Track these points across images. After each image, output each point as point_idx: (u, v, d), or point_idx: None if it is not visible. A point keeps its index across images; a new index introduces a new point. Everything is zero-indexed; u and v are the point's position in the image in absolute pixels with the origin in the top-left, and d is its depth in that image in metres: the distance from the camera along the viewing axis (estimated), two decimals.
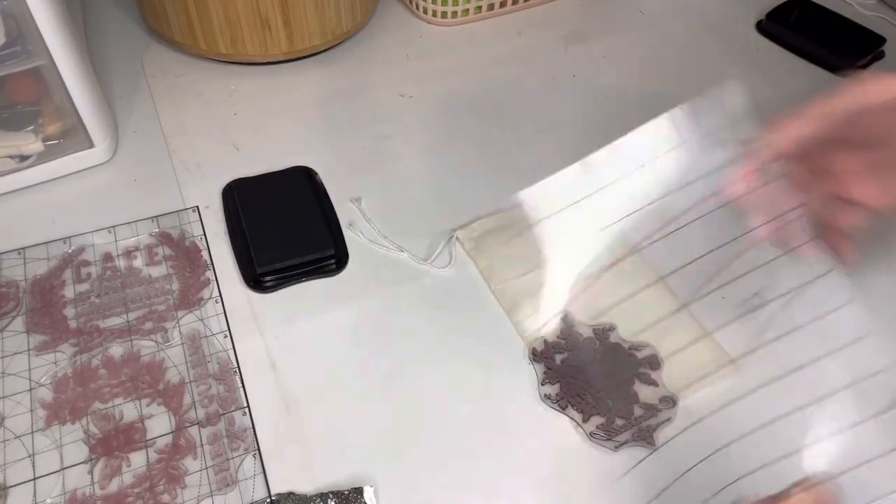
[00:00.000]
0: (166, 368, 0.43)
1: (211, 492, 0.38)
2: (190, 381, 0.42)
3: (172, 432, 0.40)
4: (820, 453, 0.42)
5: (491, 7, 0.70)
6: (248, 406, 0.42)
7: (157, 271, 0.48)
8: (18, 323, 0.44)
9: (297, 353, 0.44)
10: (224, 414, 0.41)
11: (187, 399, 0.42)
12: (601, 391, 0.43)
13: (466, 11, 0.69)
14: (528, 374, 0.44)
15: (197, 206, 0.52)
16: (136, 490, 0.38)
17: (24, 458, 0.39)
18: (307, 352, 0.45)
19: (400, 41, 0.68)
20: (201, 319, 0.45)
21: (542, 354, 0.45)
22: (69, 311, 0.45)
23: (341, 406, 0.42)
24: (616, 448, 0.41)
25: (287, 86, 0.63)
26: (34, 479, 0.38)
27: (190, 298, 0.46)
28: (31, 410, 0.41)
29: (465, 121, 0.60)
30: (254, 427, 0.41)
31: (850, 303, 0.49)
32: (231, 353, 0.44)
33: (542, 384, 0.43)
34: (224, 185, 0.53)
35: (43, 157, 0.51)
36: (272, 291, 0.47)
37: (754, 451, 0.41)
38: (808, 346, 0.47)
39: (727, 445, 0.41)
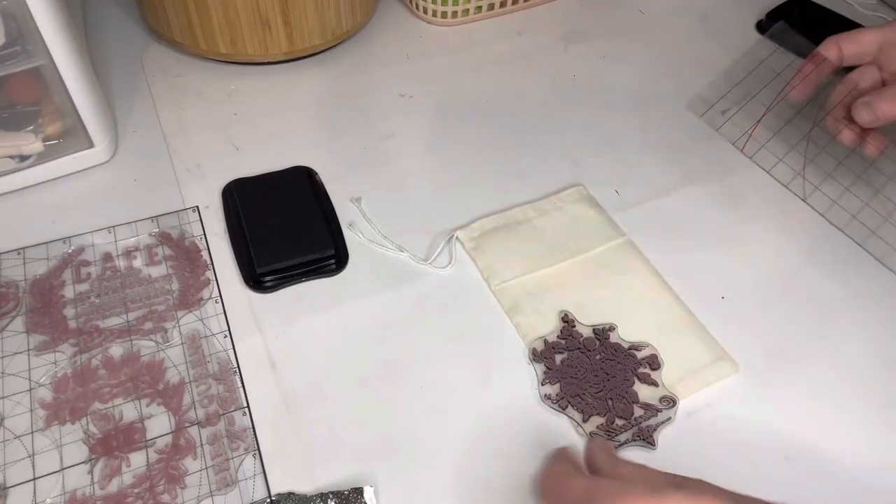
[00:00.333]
0: (166, 368, 0.43)
1: (211, 492, 0.38)
2: (190, 381, 0.42)
3: (172, 432, 0.40)
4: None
5: (491, 7, 0.70)
6: (248, 406, 0.42)
7: (157, 271, 0.48)
8: (18, 323, 0.44)
9: (297, 353, 0.44)
10: (224, 414, 0.41)
11: (187, 399, 0.42)
12: (601, 391, 0.43)
13: (466, 11, 0.69)
14: (528, 374, 0.44)
15: (197, 206, 0.52)
16: (136, 490, 0.38)
17: (23, 458, 0.39)
18: (307, 352, 0.45)
19: (400, 41, 0.68)
20: (201, 319, 0.45)
21: (542, 354, 0.45)
22: (69, 311, 0.45)
23: (341, 406, 0.42)
24: (616, 448, 0.41)
25: (287, 86, 0.63)
26: (34, 479, 0.38)
27: (190, 298, 0.46)
28: (31, 410, 0.41)
29: (465, 121, 0.60)
30: (254, 427, 0.41)
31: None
32: (231, 353, 0.44)
33: (542, 384, 0.43)
34: (224, 185, 0.53)
35: (43, 157, 0.51)
36: (272, 291, 0.47)
37: (754, 451, 0.41)
38: (808, 344, 0.47)
39: (727, 445, 0.41)
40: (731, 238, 0.53)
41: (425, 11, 0.69)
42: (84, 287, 0.46)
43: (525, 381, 0.44)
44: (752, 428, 0.42)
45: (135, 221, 0.50)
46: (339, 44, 0.66)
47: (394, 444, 0.41)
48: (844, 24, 0.69)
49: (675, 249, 0.51)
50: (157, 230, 0.50)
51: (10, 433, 0.40)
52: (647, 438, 0.41)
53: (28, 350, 0.43)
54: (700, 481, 0.30)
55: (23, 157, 0.51)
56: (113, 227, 0.50)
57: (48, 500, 0.37)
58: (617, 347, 0.45)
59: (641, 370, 0.44)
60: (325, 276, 0.48)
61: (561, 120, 0.61)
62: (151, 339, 0.44)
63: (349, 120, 0.60)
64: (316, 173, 0.55)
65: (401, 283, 0.48)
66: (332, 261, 0.49)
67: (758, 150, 0.55)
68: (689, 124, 0.61)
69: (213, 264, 0.48)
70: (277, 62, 0.63)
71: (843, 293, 0.49)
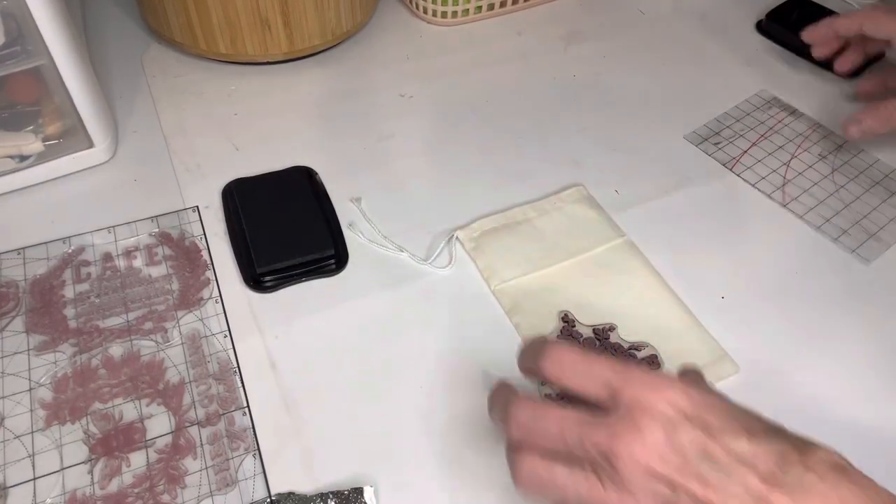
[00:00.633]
0: (166, 368, 0.43)
1: (211, 492, 0.38)
2: (190, 381, 0.42)
3: (172, 432, 0.40)
4: None
5: (491, 7, 0.70)
6: (248, 406, 0.42)
7: (157, 271, 0.48)
8: (18, 323, 0.44)
9: (297, 353, 0.44)
10: (224, 414, 0.41)
11: (187, 399, 0.42)
12: None
13: (466, 11, 0.69)
14: None
15: (197, 206, 0.52)
16: (136, 490, 0.38)
17: (23, 458, 0.39)
18: (307, 352, 0.45)
19: (400, 41, 0.68)
20: (201, 319, 0.45)
21: None
22: (69, 311, 0.45)
23: (341, 406, 0.42)
24: None
25: (287, 86, 0.63)
26: (34, 479, 0.38)
27: (190, 298, 0.46)
28: (31, 410, 0.41)
29: (465, 121, 0.61)
30: (254, 427, 0.41)
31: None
32: (231, 353, 0.44)
33: (542, 384, 0.43)
34: (224, 185, 0.53)
35: (43, 157, 0.51)
36: (272, 291, 0.47)
37: None
38: (807, 343, 0.47)
39: None
40: (732, 238, 0.53)
41: (425, 11, 0.69)
42: (84, 287, 0.46)
43: (525, 381, 0.44)
44: None
45: (135, 221, 0.50)
46: (339, 44, 0.66)
47: (394, 444, 0.41)
48: None
49: (675, 249, 0.51)
50: (157, 230, 0.50)
51: (10, 433, 0.40)
52: None
53: (28, 350, 0.43)
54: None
55: (23, 157, 0.51)
56: (113, 227, 0.50)
57: (48, 500, 0.37)
58: (617, 347, 0.45)
59: None
60: (325, 276, 0.48)
61: (561, 120, 0.61)
62: (151, 339, 0.44)
63: (349, 120, 0.60)
64: (316, 173, 0.55)
65: (401, 283, 0.48)
66: (332, 261, 0.49)
67: (744, 170, 0.58)
68: (689, 125, 0.61)
69: (213, 264, 0.48)
70: (277, 62, 0.63)
71: (842, 294, 0.49)
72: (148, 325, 0.45)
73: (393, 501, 0.38)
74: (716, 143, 0.59)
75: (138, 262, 0.48)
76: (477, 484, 0.39)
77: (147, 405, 0.41)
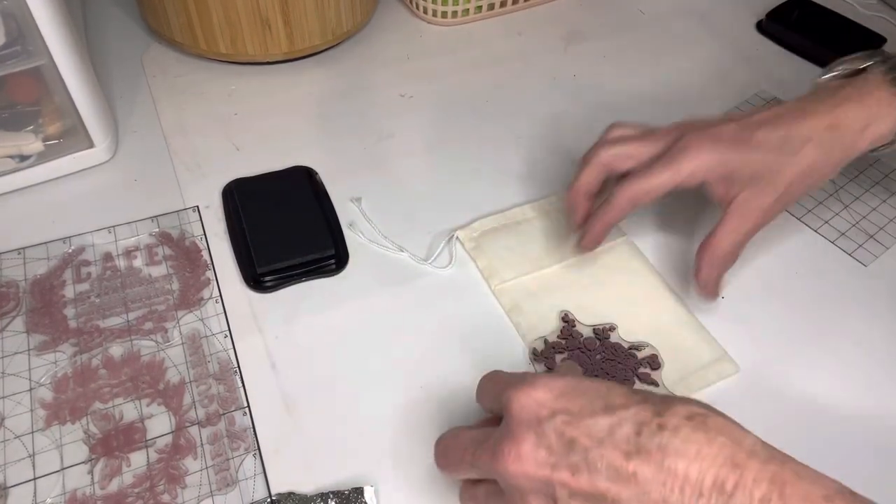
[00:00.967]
0: (166, 368, 0.43)
1: (211, 492, 0.38)
2: (190, 381, 0.42)
3: (172, 432, 0.40)
4: None
5: (491, 7, 0.70)
6: (248, 406, 0.42)
7: (157, 271, 0.48)
8: (18, 323, 0.44)
9: (297, 353, 0.44)
10: (224, 414, 0.41)
11: (187, 399, 0.42)
12: None
13: (466, 11, 0.69)
14: None
15: (197, 206, 0.52)
16: (136, 490, 0.38)
17: (24, 458, 0.39)
18: (307, 352, 0.45)
19: (400, 41, 0.68)
20: (201, 319, 0.45)
21: (543, 354, 0.45)
22: (69, 311, 0.45)
23: (341, 406, 0.42)
24: None
25: (287, 86, 0.63)
26: (34, 479, 0.38)
27: (190, 298, 0.46)
28: (31, 410, 0.41)
29: (465, 121, 0.61)
30: (254, 427, 0.41)
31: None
32: (231, 353, 0.44)
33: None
34: (224, 185, 0.53)
35: (43, 157, 0.51)
36: (272, 291, 0.47)
37: None
38: (807, 342, 0.47)
39: None
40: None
41: (425, 11, 0.69)
42: (84, 287, 0.46)
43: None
44: (752, 428, 0.42)
45: (135, 221, 0.50)
46: (339, 44, 0.66)
47: (394, 444, 0.41)
48: (844, 25, 0.69)
49: (675, 249, 0.51)
50: (157, 230, 0.50)
51: (11, 433, 0.40)
52: None
53: (28, 350, 0.43)
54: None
55: (23, 157, 0.51)
56: (113, 226, 0.50)
57: (48, 500, 0.38)
58: (617, 347, 0.45)
59: (642, 370, 0.44)
60: (325, 276, 0.48)
61: (561, 120, 0.61)
62: (151, 339, 0.44)
63: (349, 120, 0.60)
64: (316, 173, 0.55)
65: (401, 283, 0.48)
66: (332, 261, 0.49)
67: None
68: None
69: (213, 264, 0.48)
70: (277, 62, 0.63)
71: (841, 294, 0.49)
72: (148, 325, 0.45)
73: (393, 501, 0.38)
74: None
75: (138, 262, 0.48)
76: None
77: (147, 405, 0.41)
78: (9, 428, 0.40)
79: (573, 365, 0.41)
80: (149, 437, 0.40)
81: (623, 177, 0.45)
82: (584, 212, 0.47)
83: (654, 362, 0.45)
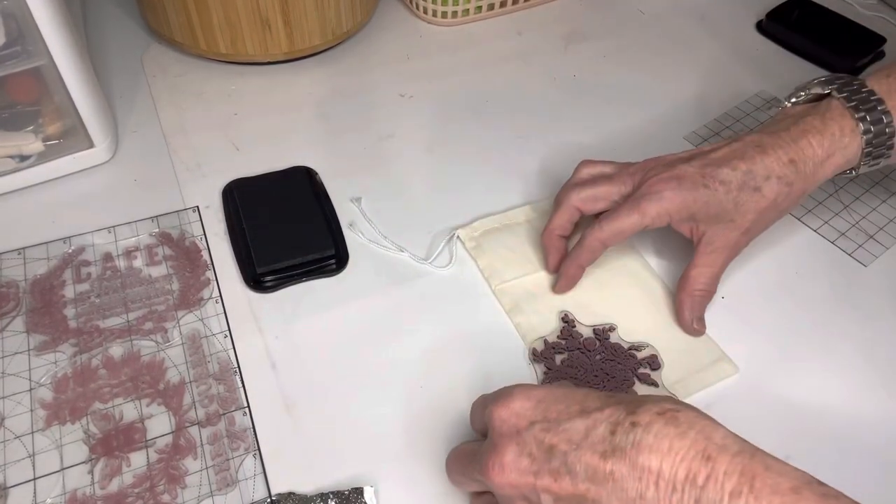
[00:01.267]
0: (166, 368, 0.43)
1: (211, 492, 0.38)
2: (190, 381, 0.42)
3: (172, 432, 0.40)
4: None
5: (491, 7, 0.70)
6: (248, 406, 0.42)
7: (157, 271, 0.48)
8: (18, 323, 0.44)
9: (297, 353, 0.44)
10: (224, 414, 0.41)
11: (187, 399, 0.42)
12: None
13: (466, 11, 0.69)
14: (529, 375, 0.44)
15: (197, 206, 0.52)
16: (136, 490, 0.38)
17: (24, 458, 0.39)
18: (307, 352, 0.45)
19: (400, 41, 0.68)
20: (201, 319, 0.45)
21: (542, 355, 0.45)
22: (69, 311, 0.45)
23: (341, 406, 0.42)
24: None
25: (287, 86, 0.63)
26: (34, 479, 0.38)
27: (190, 298, 0.46)
28: (31, 410, 0.41)
29: (465, 121, 0.61)
30: (254, 427, 0.41)
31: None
32: (231, 353, 0.44)
33: (543, 384, 0.43)
34: (224, 185, 0.53)
35: (43, 157, 0.51)
36: (272, 291, 0.47)
37: None
38: (807, 342, 0.47)
39: None
40: None
41: (425, 11, 0.69)
42: (84, 287, 0.46)
43: (525, 381, 0.44)
44: (752, 429, 0.42)
45: (135, 221, 0.50)
46: (339, 44, 0.66)
47: (394, 444, 0.41)
48: (844, 25, 0.69)
49: (675, 250, 0.51)
50: (157, 230, 0.50)
51: (11, 433, 0.40)
52: None
53: (28, 350, 0.43)
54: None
55: (23, 157, 0.51)
56: (113, 227, 0.50)
57: (48, 500, 0.38)
58: (617, 348, 0.45)
59: (641, 371, 0.44)
60: (325, 276, 0.48)
61: (561, 120, 0.61)
62: (151, 339, 0.44)
63: (349, 120, 0.60)
64: (316, 173, 0.55)
65: (401, 283, 0.48)
66: (332, 261, 0.49)
67: None
68: (689, 125, 0.61)
69: (213, 264, 0.48)
70: (277, 62, 0.63)
71: (841, 295, 0.49)
72: (148, 325, 0.45)
73: (393, 501, 0.38)
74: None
75: (138, 262, 0.48)
76: None
77: (147, 405, 0.41)
78: (9, 428, 0.40)
79: (566, 383, 0.41)
80: (149, 437, 0.40)
81: (596, 216, 0.47)
82: (557, 254, 0.48)
83: (653, 363, 0.45)
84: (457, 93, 0.63)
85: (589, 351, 0.45)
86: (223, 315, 0.46)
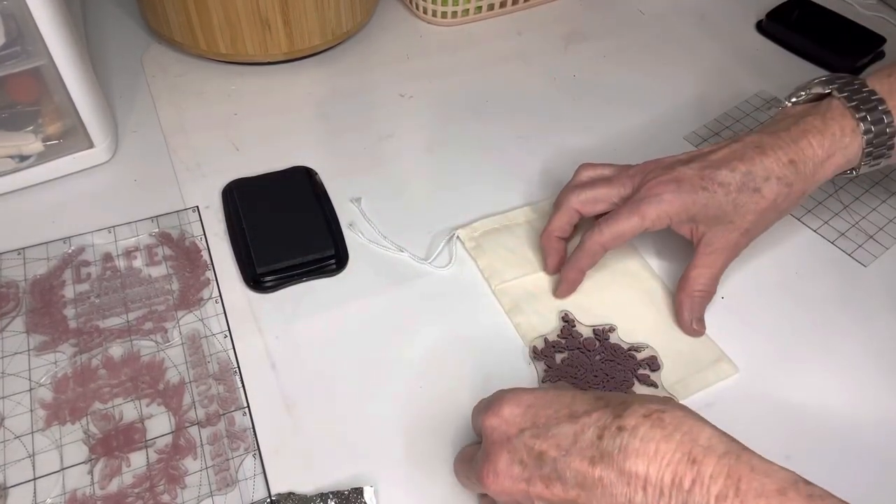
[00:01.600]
0: (166, 368, 0.43)
1: (211, 492, 0.38)
2: (190, 382, 0.42)
3: (172, 432, 0.40)
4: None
5: (491, 7, 0.70)
6: (248, 406, 0.42)
7: (157, 271, 0.48)
8: (18, 323, 0.44)
9: (297, 353, 0.44)
10: (224, 414, 0.41)
11: (187, 399, 0.42)
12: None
13: (466, 11, 0.69)
14: (528, 374, 0.44)
15: (197, 206, 0.52)
16: (136, 490, 0.38)
17: (24, 458, 0.39)
18: (307, 352, 0.45)
19: (400, 41, 0.68)
20: (201, 319, 0.45)
21: (543, 353, 0.45)
22: (69, 312, 0.45)
23: (341, 406, 0.42)
24: None
25: (287, 86, 0.63)
26: (34, 479, 0.38)
27: (190, 298, 0.46)
28: (31, 410, 0.41)
29: (465, 121, 0.61)
30: (254, 427, 0.41)
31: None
32: (231, 353, 0.44)
33: (542, 382, 0.43)
34: (224, 185, 0.53)
35: (43, 157, 0.51)
36: (272, 291, 0.47)
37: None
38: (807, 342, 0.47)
39: None
40: None
41: (425, 11, 0.69)
42: (84, 287, 0.46)
43: (525, 380, 0.44)
44: (752, 429, 0.42)
45: (135, 221, 0.50)
46: (339, 44, 0.66)
47: (394, 444, 0.41)
48: (844, 25, 0.69)
49: (675, 251, 0.51)
50: (157, 230, 0.50)
51: (11, 433, 0.40)
52: None
53: (28, 350, 0.43)
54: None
55: (23, 157, 0.51)
56: (113, 227, 0.50)
57: (48, 500, 0.38)
58: (616, 348, 0.45)
59: (641, 371, 0.44)
60: (325, 276, 0.48)
61: (561, 120, 0.61)
62: (151, 339, 0.44)
63: (349, 120, 0.60)
64: (316, 173, 0.55)
65: (401, 283, 0.48)
66: (332, 261, 0.49)
67: None
68: (689, 125, 0.61)
69: (213, 264, 0.48)
70: (277, 62, 0.63)
71: (841, 295, 0.49)
72: (148, 326, 0.45)
73: (393, 501, 0.38)
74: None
75: (138, 263, 0.48)
76: None
77: (147, 405, 0.41)
78: (9, 428, 0.40)
79: (563, 384, 0.42)
80: (149, 437, 0.40)
81: (596, 218, 0.46)
82: (557, 256, 0.48)
83: (653, 363, 0.45)
84: (457, 93, 0.63)
85: (589, 351, 0.45)
86: (223, 315, 0.46)
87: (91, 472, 0.39)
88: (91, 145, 0.53)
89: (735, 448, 0.28)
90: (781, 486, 0.27)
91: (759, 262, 0.51)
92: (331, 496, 0.38)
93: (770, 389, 0.44)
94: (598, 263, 0.47)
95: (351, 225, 0.52)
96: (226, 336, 0.45)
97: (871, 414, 0.43)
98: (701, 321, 0.46)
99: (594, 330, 0.46)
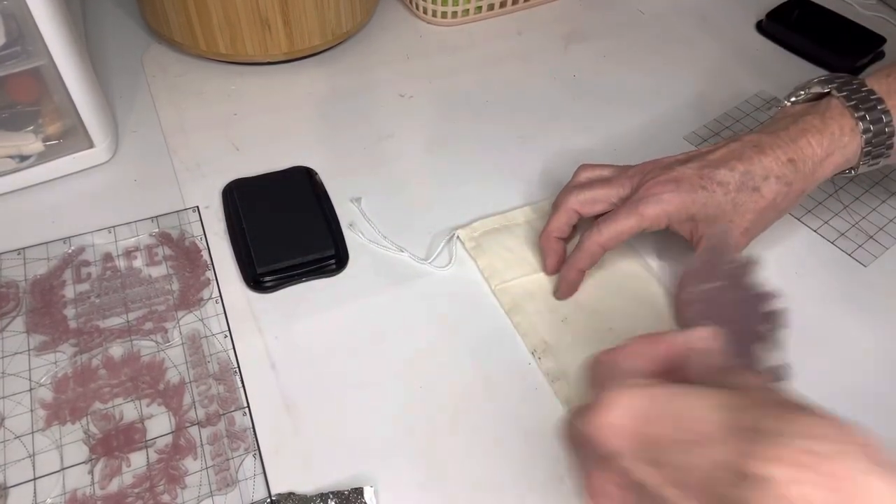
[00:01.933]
0: (166, 368, 0.43)
1: (211, 492, 0.38)
2: (190, 382, 0.42)
3: (172, 432, 0.40)
4: None
5: (491, 7, 0.70)
6: (248, 406, 0.42)
7: (157, 271, 0.48)
8: (18, 323, 0.44)
9: (297, 353, 0.44)
10: (224, 414, 0.41)
11: (187, 399, 0.42)
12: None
13: (466, 11, 0.69)
14: (528, 374, 0.44)
15: (197, 206, 0.52)
16: (136, 490, 0.38)
17: (24, 458, 0.39)
18: (307, 352, 0.45)
19: (400, 41, 0.68)
20: (201, 319, 0.45)
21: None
22: (69, 311, 0.45)
23: (341, 406, 0.42)
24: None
25: (287, 86, 0.63)
26: (34, 479, 0.38)
27: (190, 298, 0.46)
28: (31, 410, 0.41)
29: (465, 121, 0.61)
30: (254, 427, 0.41)
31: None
32: (231, 353, 0.44)
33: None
34: (224, 185, 0.53)
35: (43, 157, 0.51)
36: (272, 291, 0.47)
37: None
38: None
39: None
40: None
41: (425, 11, 0.69)
42: (84, 287, 0.46)
43: (525, 380, 0.44)
44: None
45: (135, 221, 0.50)
46: (339, 44, 0.66)
47: (394, 444, 0.41)
48: (844, 25, 0.69)
49: (674, 250, 0.51)
50: (157, 230, 0.50)
51: (11, 433, 0.40)
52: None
53: (28, 350, 0.43)
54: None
55: (23, 157, 0.51)
56: (113, 227, 0.50)
57: (48, 500, 0.38)
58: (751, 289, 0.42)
59: (766, 326, 0.41)
60: (325, 276, 0.48)
61: (561, 120, 0.61)
62: (151, 339, 0.44)
63: (349, 120, 0.60)
64: (316, 173, 0.55)
65: (401, 283, 0.48)
66: (332, 261, 0.49)
67: None
68: (689, 125, 0.61)
69: (213, 264, 0.49)
70: (277, 62, 0.63)
71: (841, 295, 0.49)
72: (148, 326, 0.45)
73: (393, 501, 0.38)
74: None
75: (138, 263, 0.48)
76: (477, 484, 0.39)
77: (147, 405, 0.41)
78: (9, 428, 0.40)
79: (723, 234, 0.39)
80: (149, 437, 0.40)
81: (595, 219, 0.46)
82: (556, 256, 0.48)
83: (777, 319, 0.43)
84: (457, 93, 0.63)
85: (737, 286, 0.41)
86: (223, 315, 0.46)
87: (91, 472, 0.39)
88: (91, 145, 0.53)
89: None
90: None
91: (759, 261, 0.51)
92: (331, 496, 0.38)
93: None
94: (597, 264, 0.47)
95: (351, 225, 0.52)
96: (226, 336, 0.45)
97: (871, 412, 0.43)
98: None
99: (733, 264, 0.42)
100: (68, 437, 0.40)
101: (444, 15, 0.69)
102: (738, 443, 0.21)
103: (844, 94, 0.44)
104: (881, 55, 0.67)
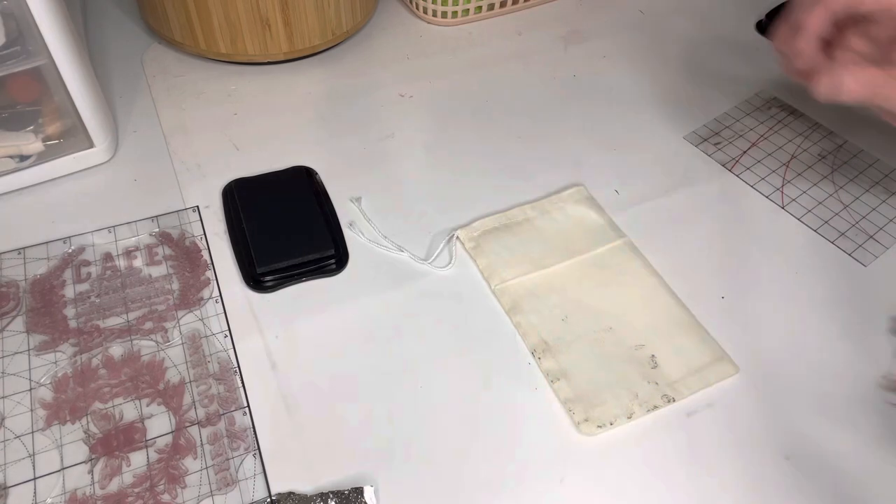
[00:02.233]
0: (166, 368, 0.43)
1: (211, 492, 0.38)
2: (190, 381, 0.42)
3: (172, 432, 0.40)
4: None
5: (491, 7, 0.70)
6: (248, 406, 0.42)
7: (158, 271, 0.48)
8: (18, 323, 0.45)
9: (297, 353, 0.44)
10: (224, 414, 0.41)
11: (187, 399, 0.42)
12: None
13: (466, 11, 0.69)
14: (528, 374, 0.44)
15: (197, 206, 0.52)
16: (136, 490, 0.38)
17: (24, 458, 0.39)
18: (307, 352, 0.45)
19: (400, 41, 0.68)
20: (201, 319, 0.45)
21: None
22: (69, 311, 0.45)
23: (341, 406, 0.42)
24: None
25: (287, 86, 0.63)
26: (34, 479, 0.38)
27: (190, 298, 0.46)
28: (31, 410, 0.41)
29: (465, 121, 0.61)
30: (254, 427, 0.41)
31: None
32: (231, 352, 0.44)
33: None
34: (224, 185, 0.53)
35: (43, 157, 0.51)
36: (272, 291, 0.47)
37: (754, 451, 0.41)
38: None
39: (727, 445, 0.41)
40: (731, 238, 0.53)
41: (425, 11, 0.69)
42: (84, 287, 0.46)
43: (525, 380, 0.44)
44: (752, 428, 0.42)
45: (135, 221, 0.50)
46: (339, 44, 0.66)
47: (394, 444, 0.41)
48: None
49: (674, 250, 0.51)
50: (157, 230, 0.50)
51: (11, 433, 0.40)
52: None
53: (28, 350, 0.43)
54: None
55: (23, 157, 0.51)
56: (113, 226, 0.50)
57: (48, 500, 0.38)
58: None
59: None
60: (325, 276, 0.48)
61: (561, 120, 0.61)
62: (152, 339, 0.44)
63: (349, 120, 0.60)
64: (316, 173, 0.55)
65: (401, 283, 0.48)
66: (332, 261, 0.49)
67: (743, 171, 0.58)
68: (689, 125, 0.61)
69: (213, 264, 0.49)
70: (277, 62, 0.63)
71: (840, 295, 0.49)
72: (148, 325, 0.45)
73: (393, 501, 0.38)
74: (715, 144, 0.59)
75: (138, 262, 0.48)
76: (477, 484, 0.39)
77: (147, 405, 0.41)
78: (9, 428, 0.40)
79: None
80: (149, 436, 0.40)
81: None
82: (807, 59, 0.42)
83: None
84: (457, 93, 0.63)
85: None
86: (223, 315, 0.46)
87: (91, 472, 0.39)
88: (91, 145, 0.53)
89: None
90: None
91: (760, 261, 0.51)
92: (331, 496, 0.38)
93: (770, 389, 0.44)
94: (599, 263, 0.47)
95: (351, 225, 0.52)
96: (226, 336, 0.45)
97: (871, 412, 0.43)
98: (847, 92, 0.43)
99: None
100: (68, 437, 0.40)
101: (444, 15, 0.69)
102: None
103: None
104: None
